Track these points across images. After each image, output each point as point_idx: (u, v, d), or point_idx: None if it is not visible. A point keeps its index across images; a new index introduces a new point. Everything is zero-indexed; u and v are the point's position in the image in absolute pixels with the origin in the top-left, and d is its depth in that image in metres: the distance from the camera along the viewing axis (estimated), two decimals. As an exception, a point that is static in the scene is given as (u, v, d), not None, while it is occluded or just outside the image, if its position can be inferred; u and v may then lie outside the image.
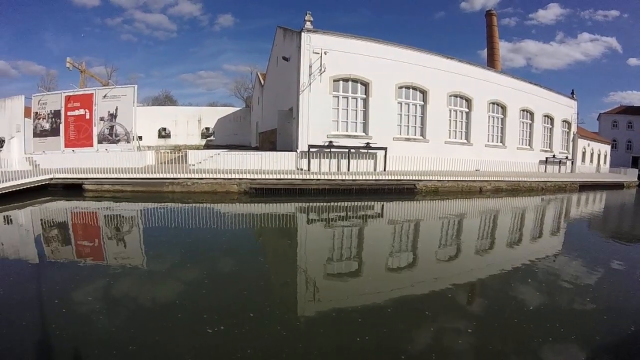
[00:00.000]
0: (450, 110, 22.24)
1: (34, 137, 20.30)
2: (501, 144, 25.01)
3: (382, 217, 13.04)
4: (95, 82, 41.86)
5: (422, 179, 17.17)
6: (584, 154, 35.32)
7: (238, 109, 43.24)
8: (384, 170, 18.66)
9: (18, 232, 9.71)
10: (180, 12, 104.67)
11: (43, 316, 4.45)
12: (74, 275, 6.07)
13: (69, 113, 19.86)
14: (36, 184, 14.28)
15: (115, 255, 7.55)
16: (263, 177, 15.26)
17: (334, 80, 18.64)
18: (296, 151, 17.97)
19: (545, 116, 28.39)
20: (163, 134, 38.55)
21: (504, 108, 24.97)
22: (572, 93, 31.65)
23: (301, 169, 17.56)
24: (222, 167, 16.55)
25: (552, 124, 29.18)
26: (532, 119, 27.21)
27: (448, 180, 17.66)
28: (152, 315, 4.62)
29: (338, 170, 18.13)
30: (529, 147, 27.16)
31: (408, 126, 20.95)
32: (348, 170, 18.10)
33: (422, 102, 21.10)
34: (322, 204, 14.21)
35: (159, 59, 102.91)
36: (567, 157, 30.66)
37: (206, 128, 39.66)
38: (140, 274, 6.27)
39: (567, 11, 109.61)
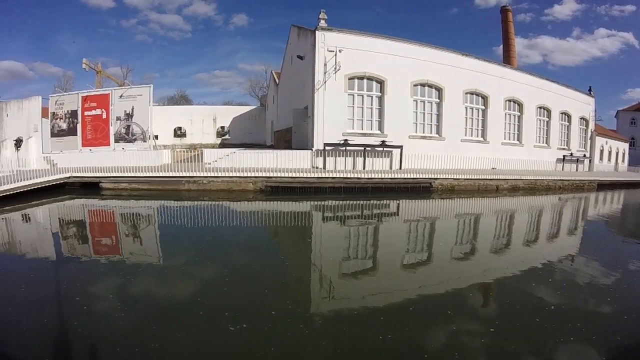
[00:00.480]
0: (466, 108, 21.98)
1: (51, 136, 20.64)
2: (518, 142, 24.64)
3: (398, 215, 12.92)
4: (111, 82, 42.37)
5: (438, 177, 16.96)
6: (601, 152, 34.73)
7: (253, 107, 43.31)
8: (400, 168, 18.51)
9: (37, 230, 9.84)
10: (195, 13, 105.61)
11: (65, 313, 4.45)
12: (94, 273, 6.10)
13: (86, 113, 20.15)
14: (54, 183, 14.47)
15: (134, 252, 7.59)
16: (279, 175, 15.23)
17: (349, 78, 18.55)
18: (311, 149, 17.95)
19: (562, 113, 27.88)
20: (179, 133, 38.86)
21: (520, 105, 24.59)
22: (590, 90, 31.00)
23: (317, 167, 17.52)
24: (237, 165, 16.60)
25: (569, 121, 28.64)
26: (549, 116, 26.73)
27: (464, 179, 17.44)
28: (174, 313, 4.58)
29: (354, 168, 18.06)
30: (546, 145, 26.69)
31: (424, 124, 20.77)
32: (364, 168, 18.01)
33: (437, 100, 20.89)
34: (338, 202, 14.14)
35: (174, 59, 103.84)
36: (584, 155, 30.04)
37: (221, 127, 39.85)
38: (160, 271, 6.27)
39: (582, 6, 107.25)
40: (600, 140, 34.01)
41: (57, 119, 20.48)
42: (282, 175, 15.28)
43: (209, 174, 15.13)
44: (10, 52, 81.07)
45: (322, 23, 17.99)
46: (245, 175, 15.13)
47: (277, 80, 32.68)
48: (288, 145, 22.39)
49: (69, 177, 15.10)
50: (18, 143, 20.93)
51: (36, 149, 20.80)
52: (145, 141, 19.58)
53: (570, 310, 4.94)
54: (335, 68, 17.87)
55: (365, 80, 19.08)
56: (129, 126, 19.76)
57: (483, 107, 22.64)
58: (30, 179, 13.50)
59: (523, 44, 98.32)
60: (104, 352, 3.71)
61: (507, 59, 39.61)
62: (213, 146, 33.13)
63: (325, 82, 17.92)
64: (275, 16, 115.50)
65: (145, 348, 3.75)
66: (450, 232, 10.35)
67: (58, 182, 14.64)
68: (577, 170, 28.19)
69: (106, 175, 15.19)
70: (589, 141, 31.29)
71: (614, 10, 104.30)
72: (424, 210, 14.23)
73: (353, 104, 18.96)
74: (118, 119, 19.86)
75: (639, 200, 21.66)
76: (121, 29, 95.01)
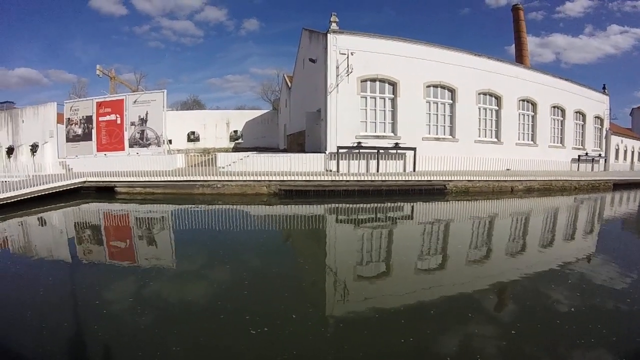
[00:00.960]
0: (479, 109, 21.78)
1: (66, 142, 20.90)
2: (532, 142, 24.35)
3: (413, 218, 12.81)
4: (125, 88, 42.75)
5: (453, 179, 16.80)
6: (617, 151, 34.17)
7: (265, 111, 43.37)
8: (414, 170, 18.37)
9: (54, 234, 9.94)
10: (206, 18, 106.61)
11: (84, 317, 4.46)
12: (112, 276, 6.14)
13: (100, 118, 20.36)
14: (70, 187, 14.63)
15: (151, 256, 7.60)
16: (292, 178, 15.24)
17: (362, 81, 18.53)
18: (325, 152, 17.92)
19: (576, 112, 27.48)
20: (192, 137, 39.07)
21: (534, 105, 24.32)
22: (604, 88, 30.57)
23: (330, 171, 17.48)
24: (251, 169, 16.60)
25: (584, 120, 28.24)
26: (563, 115, 26.38)
27: (479, 180, 17.26)
28: (194, 316, 4.57)
29: (367, 171, 17.99)
30: (560, 144, 26.34)
31: (437, 126, 20.63)
32: (377, 171, 17.93)
33: (450, 101, 20.75)
34: (352, 205, 14.07)
35: (186, 65, 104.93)
36: (600, 155, 29.59)
37: (234, 131, 39.96)
38: (178, 275, 6.27)
39: (594, 3, 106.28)
40: (615, 139, 33.47)
41: (72, 124, 20.74)
42: (296, 178, 15.28)
43: (222, 178, 15.21)
44: (26, 60, 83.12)
45: (334, 26, 17.99)
46: (259, 178, 15.14)
47: (289, 84, 32.78)
48: (301, 149, 22.42)
49: (85, 182, 15.28)
50: (34, 148, 21.26)
51: (52, 154, 21.14)
52: (159, 146, 19.72)
53: (590, 311, 4.90)
54: (348, 70, 17.85)
55: (377, 83, 19.03)
56: (143, 131, 19.93)
57: (496, 108, 22.42)
58: (46, 183, 13.71)
59: (535, 42, 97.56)
60: (125, 355, 3.72)
61: (519, 58, 39.17)
62: (226, 150, 33.20)
63: (337, 85, 17.91)
64: (286, 20, 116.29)
65: (167, 351, 3.75)
66: (466, 234, 10.22)
67: (73, 187, 14.82)
68: (592, 170, 27.74)
69: (121, 179, 15.35)
70: (604, 140, 30.87)
71: (627, 6, 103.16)
72: (439, 213, 14.08)
73: (366, 106, 18.92)
74: (132, 124, 20.04)
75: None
76: (134, 35, 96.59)
